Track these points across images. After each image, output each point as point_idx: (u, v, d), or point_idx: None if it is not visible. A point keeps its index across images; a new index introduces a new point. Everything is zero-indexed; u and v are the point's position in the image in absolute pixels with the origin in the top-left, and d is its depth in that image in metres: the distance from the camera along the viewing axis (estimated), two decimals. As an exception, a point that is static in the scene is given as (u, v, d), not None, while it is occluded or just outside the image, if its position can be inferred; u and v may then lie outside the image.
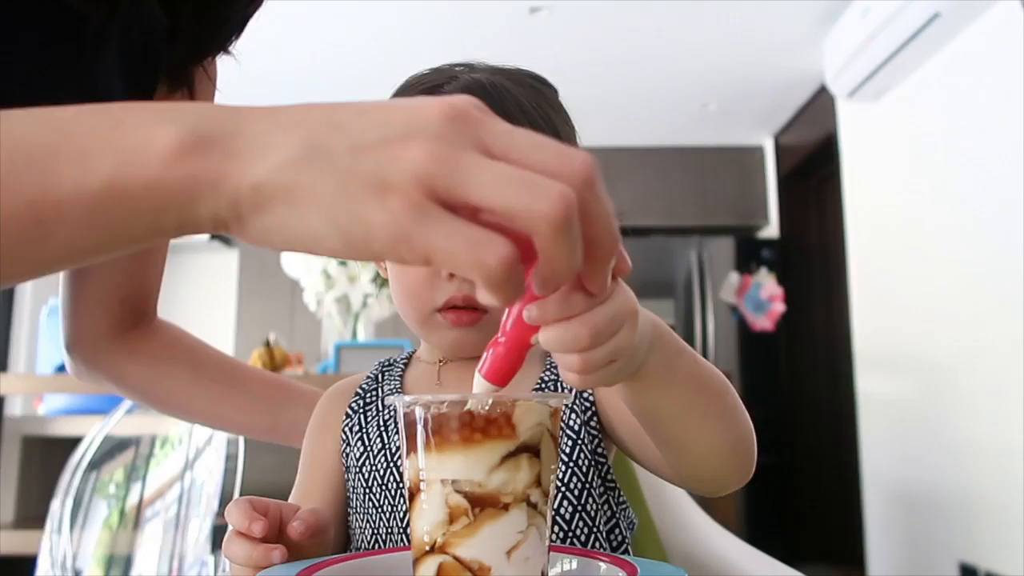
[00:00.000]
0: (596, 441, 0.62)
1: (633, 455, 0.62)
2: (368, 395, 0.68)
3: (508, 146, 0.34)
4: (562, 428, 0.61)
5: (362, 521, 0.63)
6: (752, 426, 0.52)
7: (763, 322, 4.13)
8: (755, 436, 0.52)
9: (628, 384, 0.46)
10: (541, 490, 0.41)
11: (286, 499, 0.65)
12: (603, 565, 0.46)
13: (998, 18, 2.37)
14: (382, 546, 0.60)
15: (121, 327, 0.82)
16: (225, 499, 1.22)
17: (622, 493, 0.63)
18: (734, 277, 4.23)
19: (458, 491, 0.39)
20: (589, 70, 3.65)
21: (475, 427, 0.39)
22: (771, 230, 4.58)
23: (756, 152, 4.69)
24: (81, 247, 0.36)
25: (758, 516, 4.01)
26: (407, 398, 0.41)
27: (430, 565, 0.40)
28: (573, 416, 0.62)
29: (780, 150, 4.51)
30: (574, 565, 0.47)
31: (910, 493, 2.93)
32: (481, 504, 0.39)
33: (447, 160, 0.33)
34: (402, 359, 0.72)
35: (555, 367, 0.64)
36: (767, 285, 4.15)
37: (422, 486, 0.40)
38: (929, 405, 2.79)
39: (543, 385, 0.64)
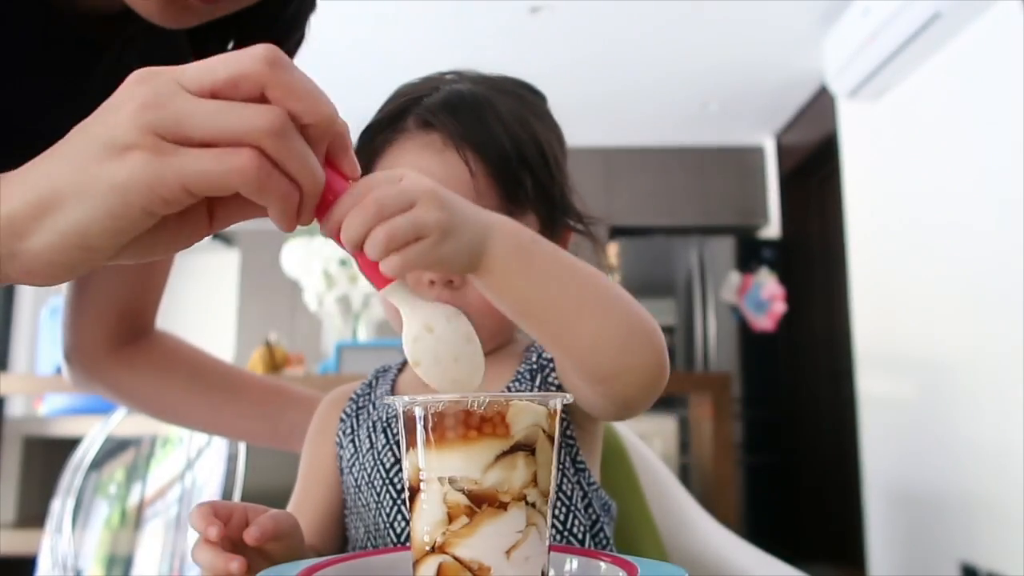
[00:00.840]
0: (565, 424, 0.63)
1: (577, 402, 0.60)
2: (361, 399, 0.70)
3: (195, 75, 0.36)
4: None
5: (355, 520, 0.64)
6: (651, 318, 0.50)
7: (764, 322, 4.13)
8: (658, 329, 0.51)
9: (481, 276, 0.47)
10: (539, 490, 0.41)
11: (287, 499, 0.66)
12: (603, 565, 0.46)
13: (998, 18, 2.37)
14: (373, 542, 0.62)
15: (119, 340, 0.82)
16: (226, 499, 1.22)
17: (592, 475, 0.64)
18: (735, 277, 4.23)
19: (457, 489, 0.39)
20: (590, 70, 3.65)
21: (471, 424, 0.40)
22: (772, 230, 4.58)
23: (757, 152, 4.69)
24: None
25: (759, 515, 4.02)
26: (406, 398, 0.42)
27: (430, 565, 0.40)
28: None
29: (781, 150, 4.50)
30: (575, 565, 0.47)
31: (911, 493, 2.93)
32: (478, 502, 0.39)
33: (158, 105, 0.35)
34: (396, 365, 0.73)
35: (530, 359, 0.66)
36: (768, 285, 4.14)
37: (422, 485, 0.41)
38: (930, 405, 2.79)
39: (518, 376, 0.65)
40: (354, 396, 0.70)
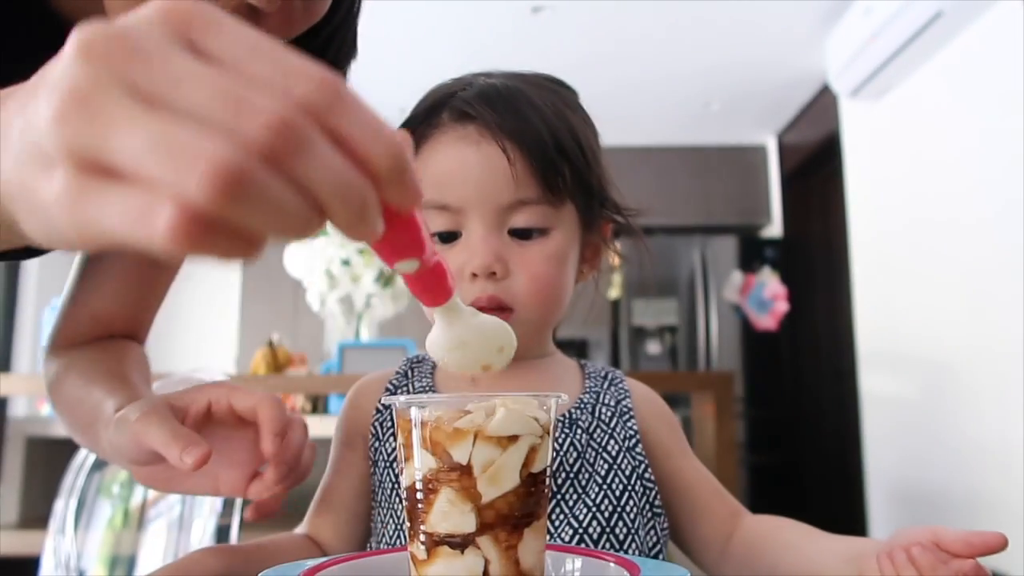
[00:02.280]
0: (643, 466, 0.64)
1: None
2: (400, 391, 0.69)
3: (172, 76, 0.25)
4: (598, 451, 0.63)
5: (386, 516, 0.63)
6: None
7: (766, 321, 4.13)
8: None
9: None
10: (536, 483, 0.41)
11: (289, 500, 0.66)
12: (607, 564, 0.46)
13: (1000, 17, 2.36)
14: (404, 541, 0.61)
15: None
16: (228, 499, 1.22)
17: (666, 519, 0.65)
18: (737, 276, 4.22)
19: (451, 485, 0.40)
20: (591, 70, 3.65)
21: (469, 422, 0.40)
22: (774, 229, 4.58)
23: (759, 151, 4.69)
24: None
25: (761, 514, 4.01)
26: (402, 398, 0.42)
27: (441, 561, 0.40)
28: (612, 442, 0.64)
29: (783, 149, 4.50)
30: (578, 565, 0.47)
31: (914, 492, 2.93)
32: (477, 498, 0.39)
33: (83, 120, 0.25)
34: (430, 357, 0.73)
35: (594, 372, 0.71)
36: (770, 284, 4.14)
37: (416, 476, 0.41)
38: (933, 404, 2.79)
39: (588, 388, 0.69)
40: (391, 386, 0.69)
